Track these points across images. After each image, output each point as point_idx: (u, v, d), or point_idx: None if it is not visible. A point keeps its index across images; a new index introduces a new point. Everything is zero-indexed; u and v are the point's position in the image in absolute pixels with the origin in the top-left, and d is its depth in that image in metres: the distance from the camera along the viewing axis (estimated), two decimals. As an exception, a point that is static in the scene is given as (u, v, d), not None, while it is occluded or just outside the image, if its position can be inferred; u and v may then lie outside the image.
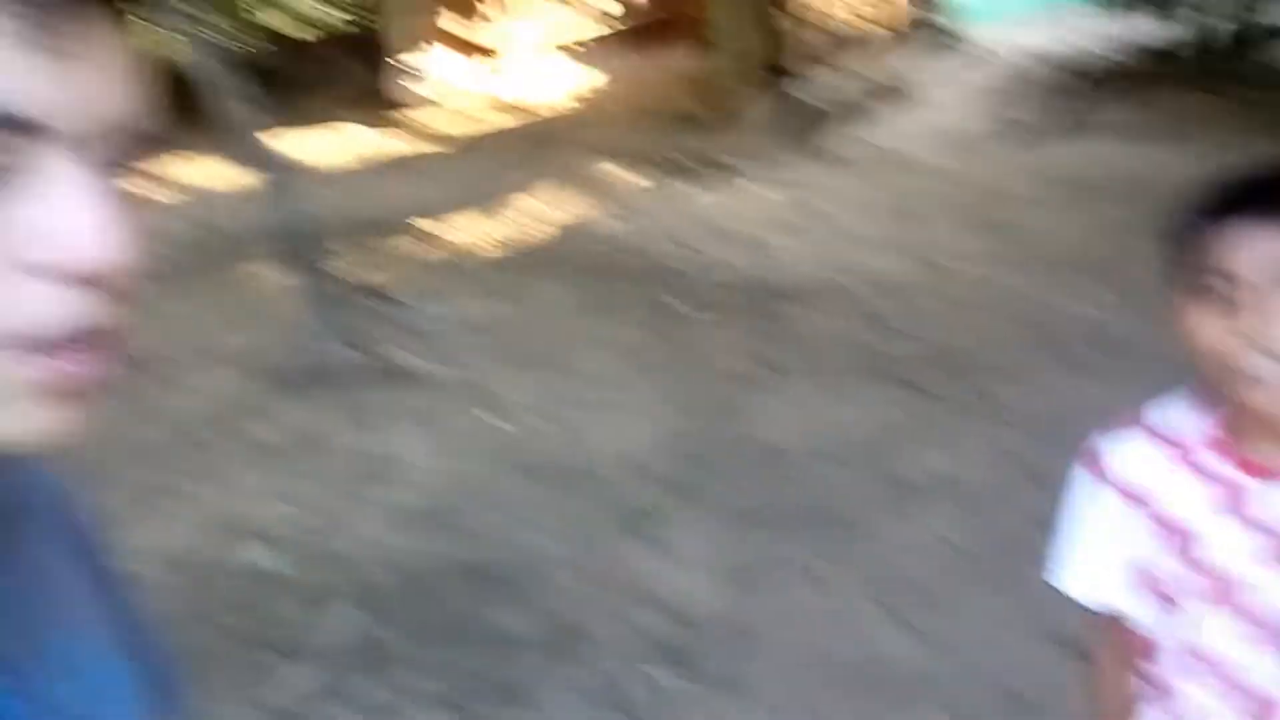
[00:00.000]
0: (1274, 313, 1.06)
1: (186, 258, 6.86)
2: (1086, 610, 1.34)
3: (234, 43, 11.29)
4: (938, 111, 8.10)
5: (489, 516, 3.61)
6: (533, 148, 8.53)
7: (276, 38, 12.46)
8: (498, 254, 6.33)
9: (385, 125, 9.73)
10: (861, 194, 6.65)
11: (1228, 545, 1.20)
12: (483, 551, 3.41)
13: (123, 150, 0.52)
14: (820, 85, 8.27)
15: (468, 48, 10.62)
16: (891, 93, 8.45)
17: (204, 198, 8.19)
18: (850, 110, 8.14)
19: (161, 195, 8.57)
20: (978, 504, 3.43)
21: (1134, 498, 1.25)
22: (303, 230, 4.72)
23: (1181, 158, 6.41)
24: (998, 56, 8.99)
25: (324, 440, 4.25)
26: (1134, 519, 1.25)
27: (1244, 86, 7.02)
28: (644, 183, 7.36)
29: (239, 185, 5.13)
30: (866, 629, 2.89)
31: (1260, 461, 1.17)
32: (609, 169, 7.73)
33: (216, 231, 7.35)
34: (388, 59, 10.48)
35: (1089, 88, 7.80)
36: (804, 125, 7.79)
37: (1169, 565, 1.23)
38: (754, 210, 6.61)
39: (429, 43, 10.41)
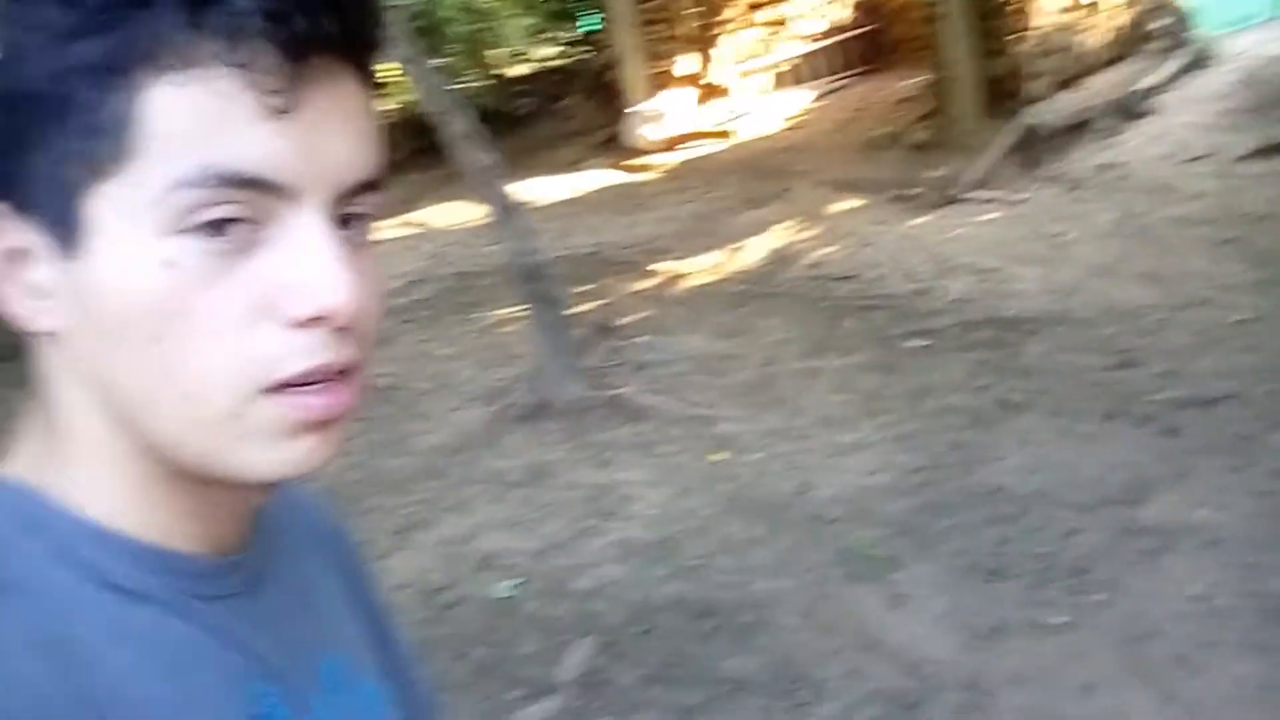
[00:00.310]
0: None
1: (432, 297, 7.27)
2: None
3: (477, 92, 11.90)
4: (1180, 128, 7.59)
5: (715, 554, 3.62)
6: (759, 180, 8.54)
7: (516, 83, 13.04)
8: (725, 289, 6.37)
9: (619, 166, 9.99)
10: (1101, 219, 6.31)
11: None
12: (708, 590, 3.42)
13: (359, 200, 0.56)
14: (1054, 105, 7.91)
15: (698, 86, 10.77)
16: (1130, 110, 7.98)
17: (449, 240, 8.65)
18: (1086, 130, 7.75)
19: (410, 239, 9.11)
20: (1236, 559, 3.17)
21: None
22: (539, 269, 4.89)
23: None
24: (1240, 67, 8.35)
25: (557, 473, 4.39)
26: None
27: None
28: (870, 212, 7.24)
29: (480, 227, 5.38)
30: (1110, 691, 2.72)
31: None
32: (834, 199, 7.65)
33: (460, 272, 7.74)
34: (622, 103, 10.76)
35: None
36: (1037, 148, 7.47)
37: None
38: (985, 238, 6.38)
39: (662, 86, 10.62)
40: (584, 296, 6.54)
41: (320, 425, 0.55)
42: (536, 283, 4.88)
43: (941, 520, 3.58)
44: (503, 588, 3.63)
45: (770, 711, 2.87)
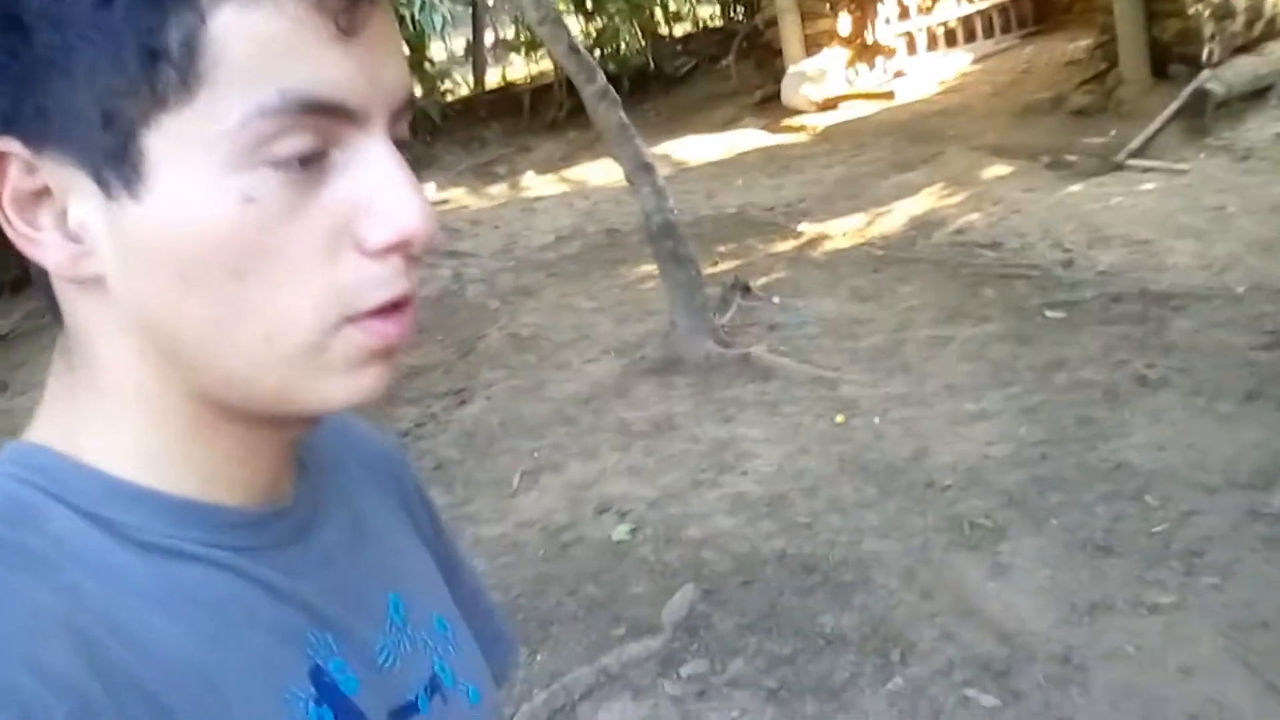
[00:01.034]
0: None
1: (579, 253, 7.43)
2: None
3: (637, 52, 11.95)
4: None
5: (824, 513, 3.65)
6: (911, 143, 8.36)
7: (675, 43, 13.05)
8: (864, 253, 6.30)
9: (777, 127, 9.93)
10: (1269, 192, 5.94)
11: None
12: (814, 547, 3.46)
13: (402, 122, 0.54)
14: (1229, 70, 7.44)
15: (856, 46, 10.56)
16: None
17: (601, 198, 8.78)
18: (1264, 98, 7.27)
19: (564, 195, 9.29)
20: (1367, 553, 3.02)
21: None
22: (671, 228, 4.96)
23: None
24: None
25: (681, 426, 4.48)
26: None
27: None
28: (1023, 179, 7.01)
29: (623, 185, 5.47)
30: (1209, 676, 2.65)
31: None
32: (987, 164, 7.43)
33: (609, 229, 7.88)
34: (779, 63, 10.65)
35: None
36: (1207, 115, 7.06)
37: None
38: (1142, 209, 6.10)
39: (820, 46, 10.46)
40: (723, 256, 6.58)
41: (389, 352, 0.55)
42: (668, 241, 4.95)
43: (1056, 494, 3.50)
44: (619, 531, 3.75)
45: (860, 666, 2.91)
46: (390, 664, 0.62)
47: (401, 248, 0.52)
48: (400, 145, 0.54)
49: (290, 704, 0.55)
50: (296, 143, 0.49)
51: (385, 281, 0.53)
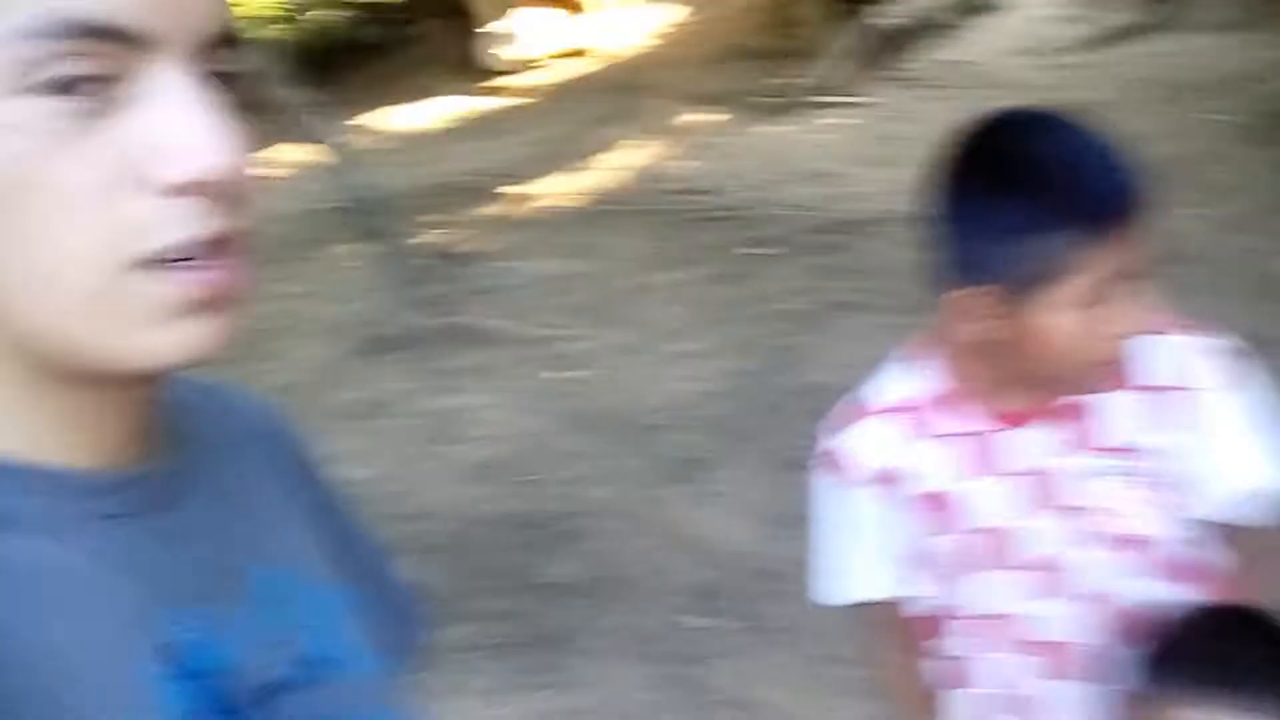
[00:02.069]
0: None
1: (279, 235, 7.20)
2: (863, 611, 1.30)
3: (324, 25, 11.61)
4: (1023, 22, 7.80)
5: (547, 469, 3.76)
6: (614, 96, 8.58)
7: (364, 10, 12.76)
8: (576, 209, 6.44)
9: (474, 90, 9.92)
10: (943, 117, 6.46)
11: (992, 501, 1.19)
12: (535, 504, 3.57)
13: (221, 56, 0.52)
14: (902, 6, 8.06)
15: (554, 3, 10.68)
16: (976, 6, 8.17)
17: (300, 178, 8.54)
18: (934, 29, 7.92)
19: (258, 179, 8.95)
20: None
21: (884, 483, 1.22)
22: (368, 203, 4.92)
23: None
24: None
25: (396, 404, 4.48)
26: (890, 505, 1.22)
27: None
28: (722, 123, 7.35)
29: (318, 162, 5.36)
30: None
31: (1010, 410, 1.18)
32: (687, 112, 7.74)
33: (310, 209, 7.67)
34: (476, 26, 10.64)
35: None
36: (886, 50, 7.62)
37: (940, 540, 1.22)
38: (833, 143, 6.54)
39: (516, 4, 10.51)
40: (432, 225, 6.56)
41: (207, 304, 0.52)
42: (366, 217, 4.91)
43: (760, 420, 3.76)
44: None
45: (582, 611, 3.05)
46: (258, 638, 0.59)
47: (197, 188, 0.49)
48: (226, 80, 0.51)
49: (138, 684, 0.51)
50: (68, 67, 0.46)
51: (177, 222, 0.49)
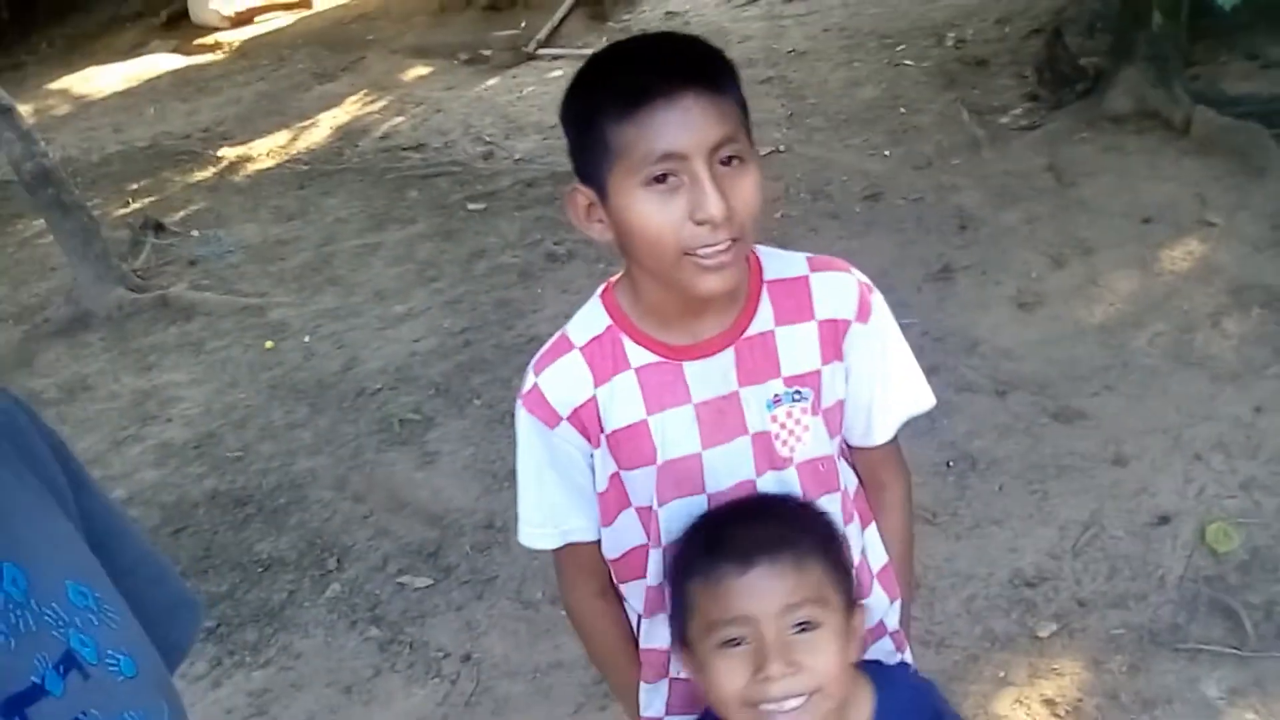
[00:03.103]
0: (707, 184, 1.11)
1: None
2: (562, 553, 1.34)
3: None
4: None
5: (255, 444, 3.68)
6: (331, 52, 8.34)
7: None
8: (288, 171, 6.25)
9: (186, 48, 9.40)
10: (660, 68, 6.66)
11: (682, 430, 1.25)
12: (247, 479, 3.49)
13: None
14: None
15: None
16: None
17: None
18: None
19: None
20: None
21: (579, 421, 1.26)
22: (47, 174, 4.61)
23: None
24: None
25: (96, 385, 4.26)
26: (586, 441, 1.26)
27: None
28: (442, 78, 7.28)
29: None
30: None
31: (693, 342, 1.25)
32: (407, 66, 7.62)
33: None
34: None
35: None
36: (604, 2, 7.74)
37: (635, 473, 1.27)
38: (552, 95, 6.59)
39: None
40: (136, 194, 6.23)
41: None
42: (48, 188, 4.61)
43: (478, 376, 3.80)
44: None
45: (299, 583, 3.02)
46: (4, 643, 0.58)
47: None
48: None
49: None
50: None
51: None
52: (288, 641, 2.85)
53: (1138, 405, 3.18)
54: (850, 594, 1.21)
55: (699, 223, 1.11)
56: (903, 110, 5.46)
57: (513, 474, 3.20)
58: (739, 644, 1.14)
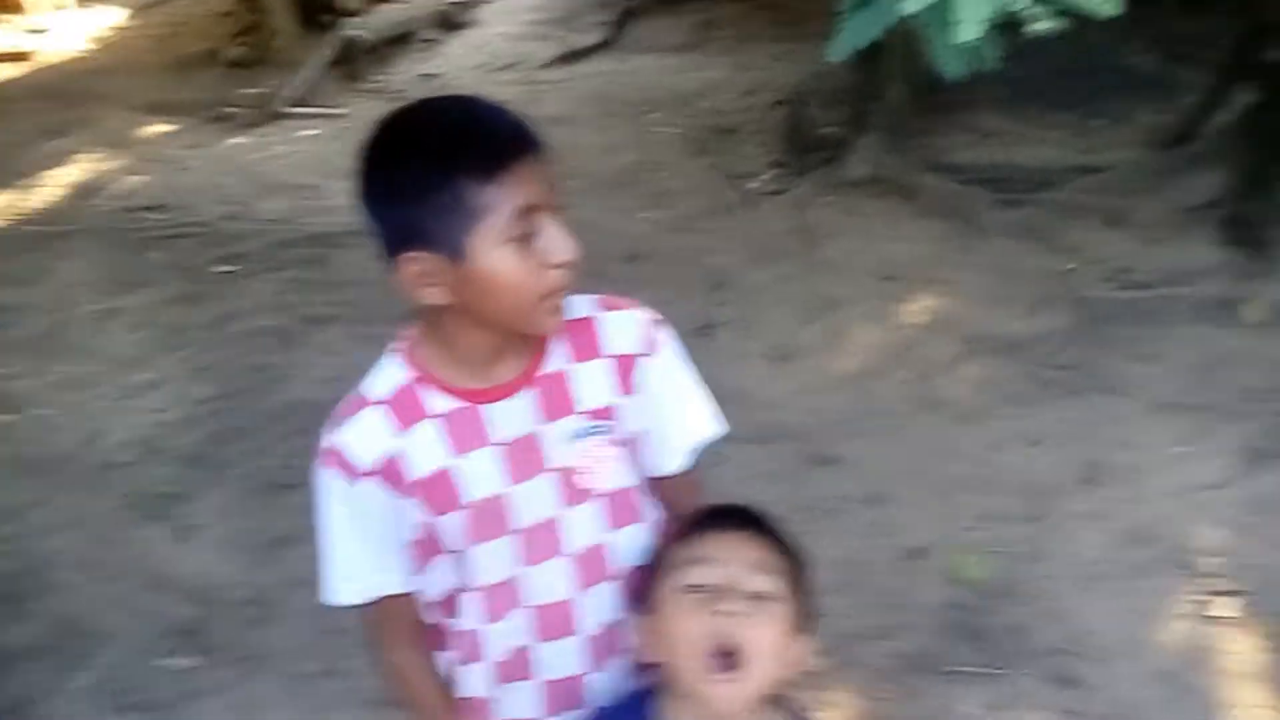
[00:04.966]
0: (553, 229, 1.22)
1: None
2: (373, 608, 1.36)
3: None
4: (495, 39, 8.25)
5: (-7, 525, 3.42)
6: (61, 107, 7.87)
7: None
8: (22, 231, 5.85)
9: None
10: (417, 129, 6.68)
11: (485, 472, 1.30)
12: (-17, 565, 3.24)
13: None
14: (373, 18, 8.19)
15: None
16: (450, 23, 8.51)
17: None
18: (408, 43, 8.14)
19: None
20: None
21: (383, 473, 1.29)
22: None
23: (722, 68, 6.97)
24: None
25: None
26: (392, 494, 1.29)
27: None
28: (185, 135, 7.03)
29: None
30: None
31: (492, 384, 1.31)
32: (147, 123, 7.31)
33: None
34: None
35: (621, 12, 8.23)
36: (358, 61, 7.70)
37: (442, 519, 1.31)
38: (304, 155, 6.49)
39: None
40: None
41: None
42: None
43: (234, 445, 3.68)
44: None
45: (48, 672, 2.83)
46: None
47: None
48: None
49: None
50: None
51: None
52: (35, 739, 2.66)
53: (888, 448, 3.43)
54: (803, 617, 1.35)
55: (557, 267, 1.22)
56: (660, 175, 5.70)
57: (282, 543, 3.13)
58: (702, 591, 1.27)
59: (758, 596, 1.27)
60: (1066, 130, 5.42)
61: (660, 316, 1.43)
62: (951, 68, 1.57)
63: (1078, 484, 3.23)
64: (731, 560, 1.29)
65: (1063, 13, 1.51)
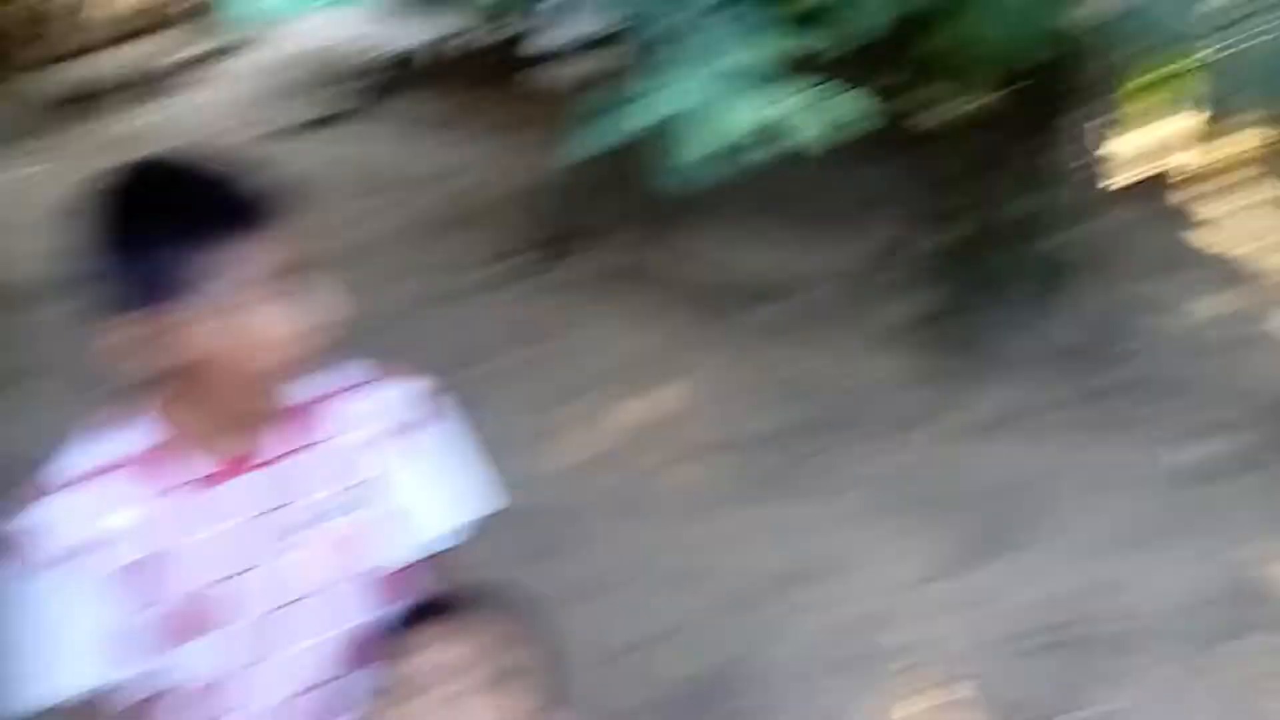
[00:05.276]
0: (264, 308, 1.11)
1: None
2: (69, 710, 1.18)
3: None
4: (203, 106, 7.91)
5: None
6: None
7: None
8: None
9: None
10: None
11: (202, 562, 1.16)
12: None
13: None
14: (68, 75, 7.74)
15: None
16: (153, 83, 8.11)
17: None
18: (103, 102, 7.70)
19: None
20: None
21: (80, 559, 1.14)
22: None
23: (481, 147, 6.91)
24: (275, 50, 8.87)
25: None
26: (90, 582, 1.14)
27: (515, 80, 7.66)
28: None
29: None
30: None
31: (217, 463, 1.18)
32: None
33: None
34: None
35: (370, 83, 8.07)
36: (62, 115, 7.25)
37: (148, 611, 1.16)
38: (-1, 207, 5.98)
39: None
40: None
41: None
42: None
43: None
44: None
45: None
46: None
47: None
48: None
49: None
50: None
51: None
52: None
53: (617, 536, 3.41)
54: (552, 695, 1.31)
55: (303, 331, 1.13)
56: (406, 250, 5.59)
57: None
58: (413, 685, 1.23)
59: (457, 695, 1.22)
60: (816, 235, 5.58)
61: (436, 388, 1.34)
62: (671, 182, 1.62)
63: (793, 580, 3.30)
64: (437, 658, 1.24)
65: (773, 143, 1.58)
